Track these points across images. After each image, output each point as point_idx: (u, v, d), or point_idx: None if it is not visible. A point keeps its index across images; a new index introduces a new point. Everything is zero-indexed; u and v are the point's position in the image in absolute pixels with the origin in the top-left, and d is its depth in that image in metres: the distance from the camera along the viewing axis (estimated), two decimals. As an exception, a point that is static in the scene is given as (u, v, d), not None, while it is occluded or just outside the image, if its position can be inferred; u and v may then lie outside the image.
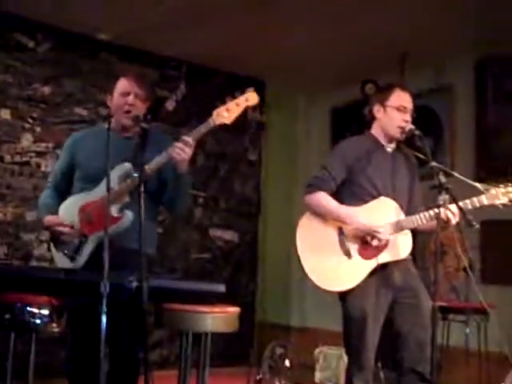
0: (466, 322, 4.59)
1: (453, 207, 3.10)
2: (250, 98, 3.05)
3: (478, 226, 3.04)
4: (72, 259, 3.16)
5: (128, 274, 2.62)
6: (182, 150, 3.02)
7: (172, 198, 3.27)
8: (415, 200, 3.45)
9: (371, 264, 3.24)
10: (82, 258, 3.15)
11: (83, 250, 3.15)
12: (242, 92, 3.05)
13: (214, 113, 3.05)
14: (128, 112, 3.22)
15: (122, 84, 3.29)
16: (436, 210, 3.07)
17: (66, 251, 3.17)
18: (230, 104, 3.03)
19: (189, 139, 3.04)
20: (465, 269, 4.34)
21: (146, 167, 2.92)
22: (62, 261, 3.22)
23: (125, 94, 3.25)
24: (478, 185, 3.26)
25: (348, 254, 3.27)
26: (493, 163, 5.33)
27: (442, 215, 3.06)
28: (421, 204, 3.44)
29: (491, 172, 5.18)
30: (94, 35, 5.72)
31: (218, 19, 5.23)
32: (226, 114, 3.03)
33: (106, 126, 2.79)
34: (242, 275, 6.60)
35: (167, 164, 3.09)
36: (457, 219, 3.15)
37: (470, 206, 3.15)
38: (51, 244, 3.31)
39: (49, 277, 2.79)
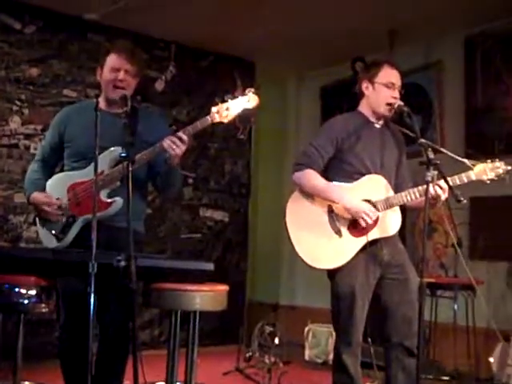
0: (454, 298, 4.62)
1: (442, 183, 3.10)
2: (251, 99, 3.04)
3: (466, 201, 3.04)
4: (59, 239, 3.15)
5: (116, 254, 2.62)
6: (176, 145, 3.01)
7: (162, 186, 3.28)
8: (403, 176, 3.46)
9: (361, 241, 3.24)
10: (69, 238, 3.14)
11: (70, 231, 3.14)
12: (243, 92, 3.04)
13: (214, 110, 3.02)
14: (117, 87, 3.17)
15: (113, 59, 3.23)
16: (425, 186, 3.07)
17: (53, 231, 3.16)
18: (230, 103, 3.01)
19: (184, 136, 3.02)
20: (453, 245, 4.37)
21: (137, 157, 2.89)
22: (47, 238, 3.20)
23: (115, 70, 3.20)
24: (465, 160, 3.26)
25: (338, 231, 3.27)
26: (481, 140, 5.34)
27: (431, 191, 3.06)
28: (410, 180, 3.45)
29: (480, 149, 5.19)
30: (82, 16, 5.67)
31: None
32: (225, 113, 3.01)
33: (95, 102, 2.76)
34: (232, 254, 6.61)
35: (159, 154, 3.07)
36: (446, 195, 3.15)
37: (458, 182, 3.16)
38: (37, 220, 3.28)
39: (36, 257, 2.78)
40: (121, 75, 3.19)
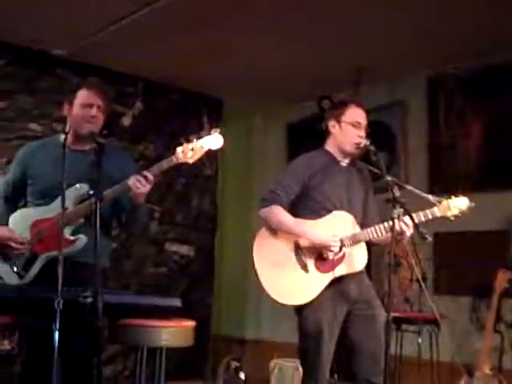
0: (419, 333, 4.64)
1: (407, 219, 3.15)
2: (215, 140, 3.04)
3: (430, 239, 3.08)
4: (20, 276, 3.10)
5: (82, 290, 2.59)
6: (141, 184, 3.02)
7: (126, 222, 3.28)
8: (370, 213, 3.49)
9: (328, 277, 3.26)
10: (31, 275, 3.10)
11: (32, 268, 3.10)
12: (209, 131, 3.04)
13: (179, 150, 3.02)
14: (90, 124, 3.17)
15: (84, 95, 3.23)
16: (391, 223, 3.11)
17: (14, 269, 3.11)
18: (196, 144, 3.01)
19: (149, 175, 3.03)
20: (418, 280, 4.41)
21: (104, 193, 2.86)
22: (8, 276, 3.15)
23: (86, 106, 3.21)
24: (430, 197, 3.32)
25: (305, 267, 3.29)
26: (444, 178, 5.41)
27: (397, 227, 3.10)
28: (377, 216, 3.48)
29: (444, 186, 5.25)
30: (50, 51, 5.66)
31: (177, 36, 5.23)
32: (191, 153, 3.02)
33: (61, 138, 2.74)
34: (198, 289, 6.53)
35: (124, 192, 3.07)
36: (411, 231, 3.19)
37: (423, 219, 3.20)
38: None
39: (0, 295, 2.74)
40: (93, 111, 3.20)
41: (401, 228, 3.14)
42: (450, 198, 3.27)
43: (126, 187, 3.04)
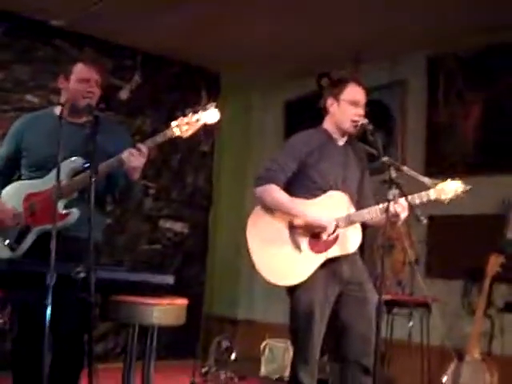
0: (409, 316, 4.66)
1: (402, 201, 3.13)
2: (212, 115, 3.02)
3: (425, 221, 3.07)
4: (12, 249, 3.10)
5: (75, 265, 2.58)
6: (135, 158, 3.00)
7: (120, 198, 3.27)
8: (365, 194, 3.48)
9: (321, 258, 3.25)
10: (23, 248, 3.10)
11: (24, 241, 3.09)
12: (204, 107, 3.02)
13: (173, 124, 3.01)
14: (87, 98, 3.15)
15: (81, 70, 3.21)
16: (385, 205, 3.09)
17: (6, 241, 3.11)
18: (191, 118, 2.99)
19: (143, 148, 3.01)
20: (410, 263, 4.42)
21: (98, 167, 2.85)
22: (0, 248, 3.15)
23: (83, 81, 3.19)
24: (425, 179, 3.29)
25: (298, 247, 3.27)
26: (442, 160, 5.40)
27: (392, 209, 3.08)
28: (371, 198, 3.47)
29: (441, 167, 5.25)
30: (48, 21, 5.61)
31: (175, 9, 5.19)
32: (186, 127, 2.99)
33: (56, 110, 2.71)
34: (192, 267, 6.56)
35: (118, 166, 3.05)
36: (406, 214, 3.18)
37: (417, 201, 3.18)
38: None
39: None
40: (91, 86, 3.18)
41: (395, 210, 3.13)
42: (446, 181, 3.25)
43: (120, 161, 3.02)
